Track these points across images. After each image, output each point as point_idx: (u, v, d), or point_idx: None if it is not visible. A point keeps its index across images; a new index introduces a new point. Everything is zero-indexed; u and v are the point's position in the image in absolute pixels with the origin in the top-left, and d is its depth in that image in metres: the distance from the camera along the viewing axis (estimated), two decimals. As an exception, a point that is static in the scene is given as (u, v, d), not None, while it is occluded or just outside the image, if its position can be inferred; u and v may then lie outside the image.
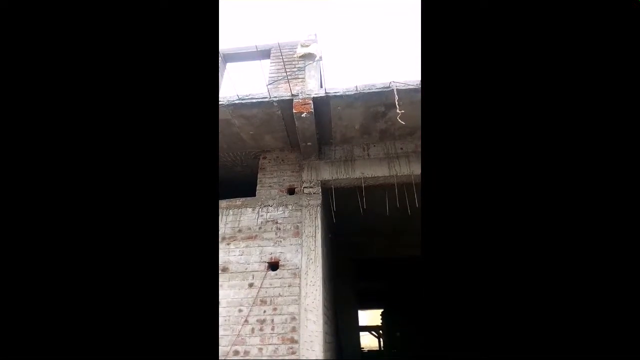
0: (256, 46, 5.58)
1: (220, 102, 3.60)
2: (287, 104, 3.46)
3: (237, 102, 3.49)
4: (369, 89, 3.31)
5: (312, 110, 3.37)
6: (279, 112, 3.58)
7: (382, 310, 12.45)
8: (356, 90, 3.30)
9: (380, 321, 12.52)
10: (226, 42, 5.96)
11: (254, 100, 3.48)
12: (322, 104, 3.45)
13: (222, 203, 3.99)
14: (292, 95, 3.38)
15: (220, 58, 5.60)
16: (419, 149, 3.89)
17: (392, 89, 3.19)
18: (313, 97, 3.40)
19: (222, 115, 3.61)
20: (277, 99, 3.41)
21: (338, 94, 3.35)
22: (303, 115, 3.35)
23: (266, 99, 3.42)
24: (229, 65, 5.73)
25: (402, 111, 3.11)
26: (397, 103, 3.10)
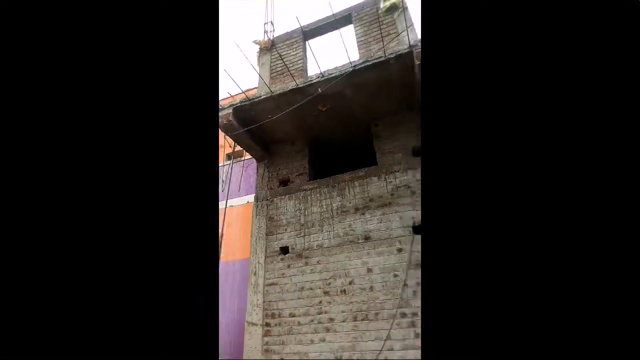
0: (334, 14, 5.36)
1: (330, 74, 3.54)
2: (403, 60, 3.23)
3: (350, 70, 3.37)
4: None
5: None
6: (395, 67, 3.36)
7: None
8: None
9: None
10: (304, 20, 5.87)
11: (369, 64, 3.32)
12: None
13: (345, 176, 4.01)
14: (410, 46, 3.13)
15: (300, 37, 5.53)
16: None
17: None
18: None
19: (333, 88, 3.55)
20: (393, 55, 3.20)
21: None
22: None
23: (381, 59, 3.24)
24: (310, 42, 5.64)
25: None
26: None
